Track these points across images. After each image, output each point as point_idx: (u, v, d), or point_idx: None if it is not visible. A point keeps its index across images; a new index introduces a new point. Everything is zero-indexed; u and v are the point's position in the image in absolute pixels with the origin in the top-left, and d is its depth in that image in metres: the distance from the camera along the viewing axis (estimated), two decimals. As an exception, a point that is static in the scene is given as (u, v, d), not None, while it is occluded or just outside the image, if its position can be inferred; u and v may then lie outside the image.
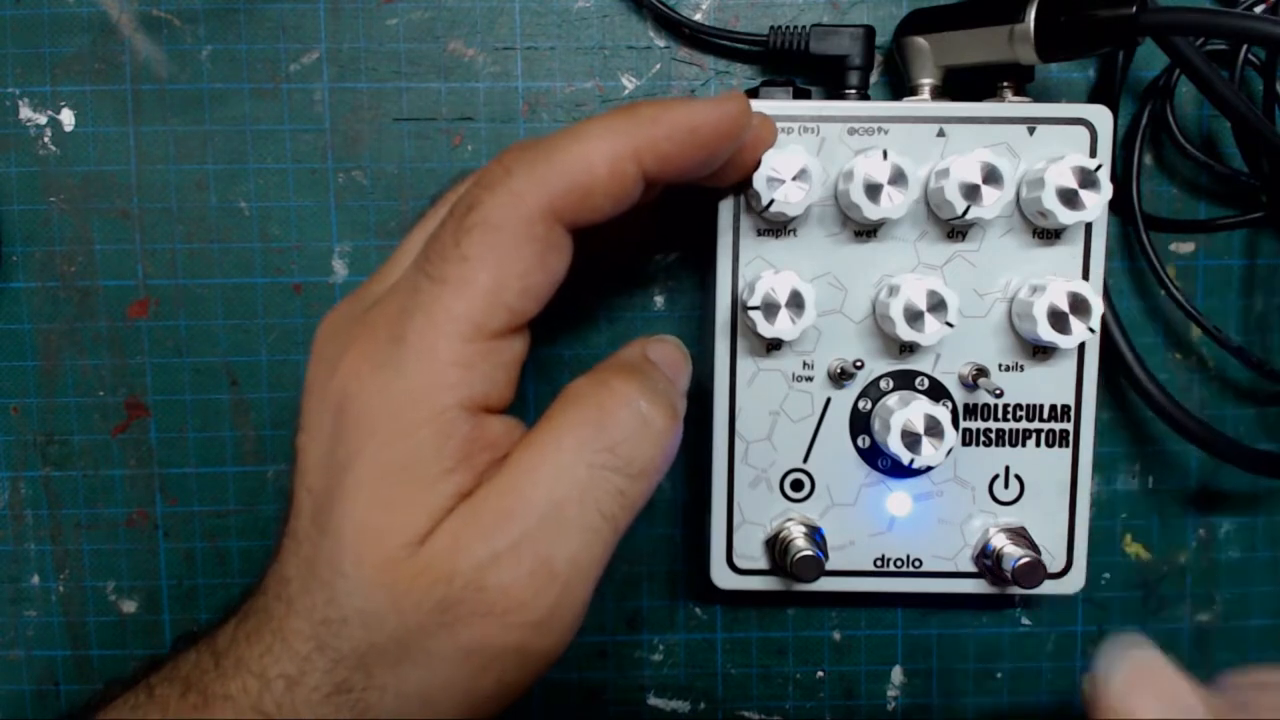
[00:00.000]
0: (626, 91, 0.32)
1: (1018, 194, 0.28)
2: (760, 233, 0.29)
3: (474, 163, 0.32)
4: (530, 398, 0.33)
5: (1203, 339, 0.33)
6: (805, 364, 0.29)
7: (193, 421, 0.33)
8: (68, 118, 0.32)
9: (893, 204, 0.27)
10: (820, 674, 0.34)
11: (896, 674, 0.34)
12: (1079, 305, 0.27)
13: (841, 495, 0.30)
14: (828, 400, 0.29)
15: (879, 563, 0.30)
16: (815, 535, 0.29)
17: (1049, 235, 0.28)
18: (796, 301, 0.27)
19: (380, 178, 0.32)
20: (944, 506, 0.30)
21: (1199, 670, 0.24)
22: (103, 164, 0.32)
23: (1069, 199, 0.27)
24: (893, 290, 0.28)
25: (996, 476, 0.30)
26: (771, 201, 0.27)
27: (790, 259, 0.29)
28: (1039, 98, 0.31)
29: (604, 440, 0.23)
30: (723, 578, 0.30)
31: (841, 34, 0.30)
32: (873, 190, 0.27)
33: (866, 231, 0.29)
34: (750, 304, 0.27)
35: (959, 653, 0.34)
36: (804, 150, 0.27)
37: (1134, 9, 0.26)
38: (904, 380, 0.29)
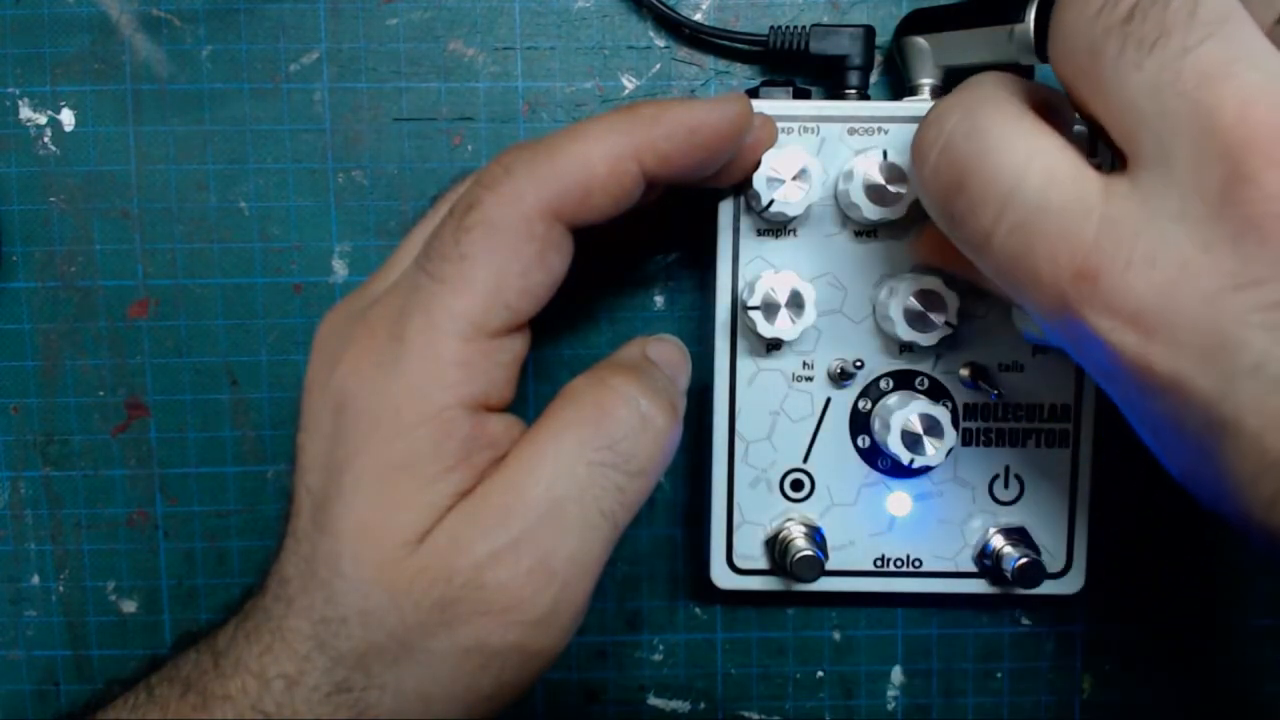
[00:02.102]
0: (626, 91, 0.32)
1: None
2: (760, 233, 0.29)
3: (474, 163, 0.32)
4: (530, 398, 0.33)
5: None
6: (805, 364, 0.29)
7: (193, 421, 0.33)
8: (68, 118, 0.32)
9: (893, 204, 0.27)
10: (820, 674, 0.34)
11: (896, 674, 0.34)
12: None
13: (841, 495, 0.30)
14: (828, 400, 0.30)
15: (879, 563, 0.30)
16: (815, 535, 0.29)
17: (1049, 235, 0.28)
18: (796, 301, 0.27)
19: (380, 178, 0.32)
20: (944, 506, 0.30)
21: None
22: (103, 164, 0.32)
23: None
24: (893, 290, 0.28)
25: (996, 476, 0.30)
26: (771, 201, 0.27)
27: (790, 259, 0.29)
28: (1039, 98, 0.31)
29: (604, 438, 0.23)
30: (723, 578, 0.30)
31: (841, 34, 0.30)
32: (873, 190, 0.27)
33: (866, 231, 0.29)
34: (750, 304, 0.27)
35: (959, 653, 0.34)
36: (804, 150, 0.27)
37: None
38: (904, 380, 0.29)
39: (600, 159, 0.23)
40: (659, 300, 0.33)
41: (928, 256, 0.28)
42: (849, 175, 0.27)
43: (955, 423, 0.29)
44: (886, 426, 0.28)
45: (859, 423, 0.30)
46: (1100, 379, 0.21)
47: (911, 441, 0.28)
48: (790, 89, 0.29)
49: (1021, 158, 0.20)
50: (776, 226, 0.29)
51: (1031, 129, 0.20)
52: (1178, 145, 0.18)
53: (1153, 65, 0.18)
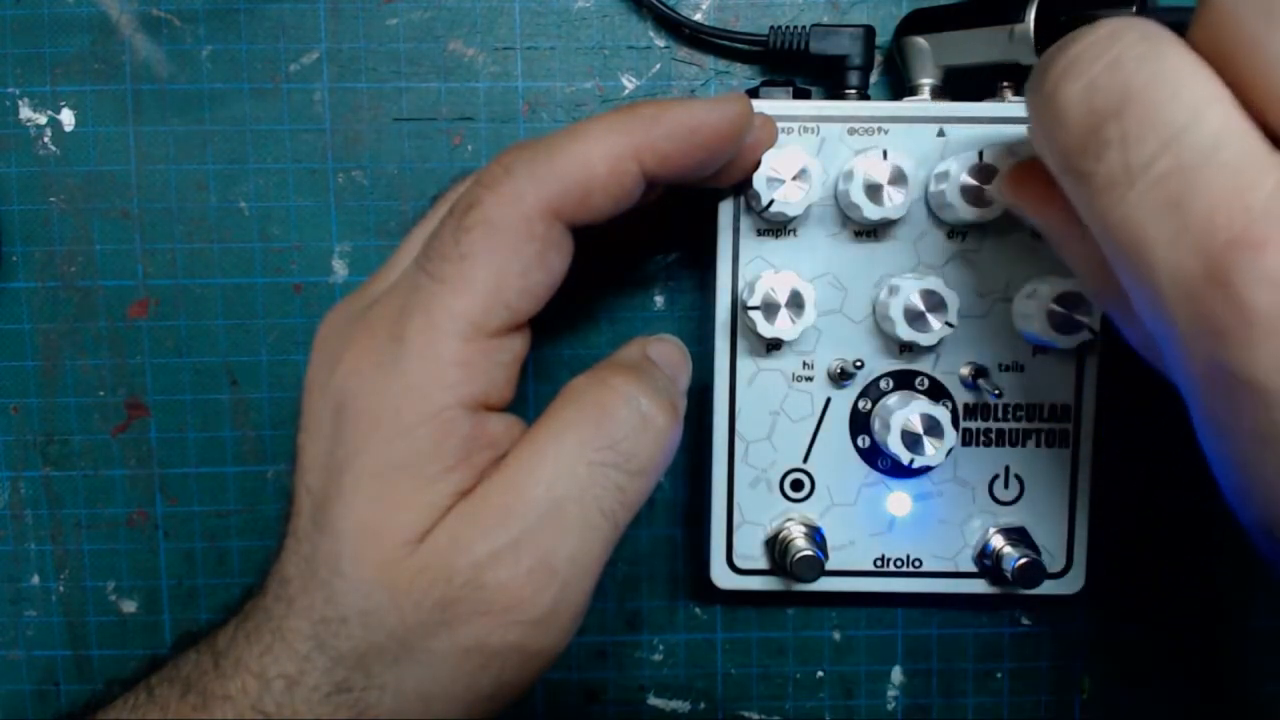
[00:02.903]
0: (626, 91, 0.32)
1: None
2: (760, 233, 0.29)
3: (474, 163, 0.32)
4: (530, 398, 0.33)
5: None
6: (805, 364, 0.29)
7: (193, 421, 0.33)
8: (68, 118, 0.32)
9: (893, 204, 0.27)
10: (820, 674, 0.34)
11: (896, 674, 0.34)
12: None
13: (841, 495, 0.30)
14: (828, 400, 0.29)
15: (879, 563, 0.30)
16: (815, 535, 0.29)
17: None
18: (796, 301, 0.27)
19: (380, 178, 0.32)
20: (944, 506, 0.30)
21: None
22: (103, 164, 0.32)
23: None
24: (893, 290, 0.28)
25: (996, 476, 0.30)
26: (771, 201, 0.27)
27: (790, 259, 0.29)
28: (1039, 98, 0.31)
29: (604, 438, 0.23)
30: (723, 578, 0.30)
31: (841, 34, 0.30)
32: (873, 190, 0.27)
33: (866, 231, 0.29)
34: (750, 304, 0.27)
35: (959, 653, 0.34)
36: (804, 150, 0.27)
37: (1134, 9, 0.26)
38: (904, 380, 0.29)
39: (600, 159, 0.23)
40: (659, 300, 0.33)
41: (1015, 194, 0.25)
42: (849, 175, 0.27)
43: (955, 423, 0.29)
44: (886, 426, 0.28)
45: (859, 423, 0.30)
46: (1191, 375, 0.19)
47: (911, 441, 0.28)
48: (790, 89, 0.29)
49: (1200, 98, 0.18)
50: (776, 226, 0.29)
51: (1210, 76, 0.18)
52: None
53: None
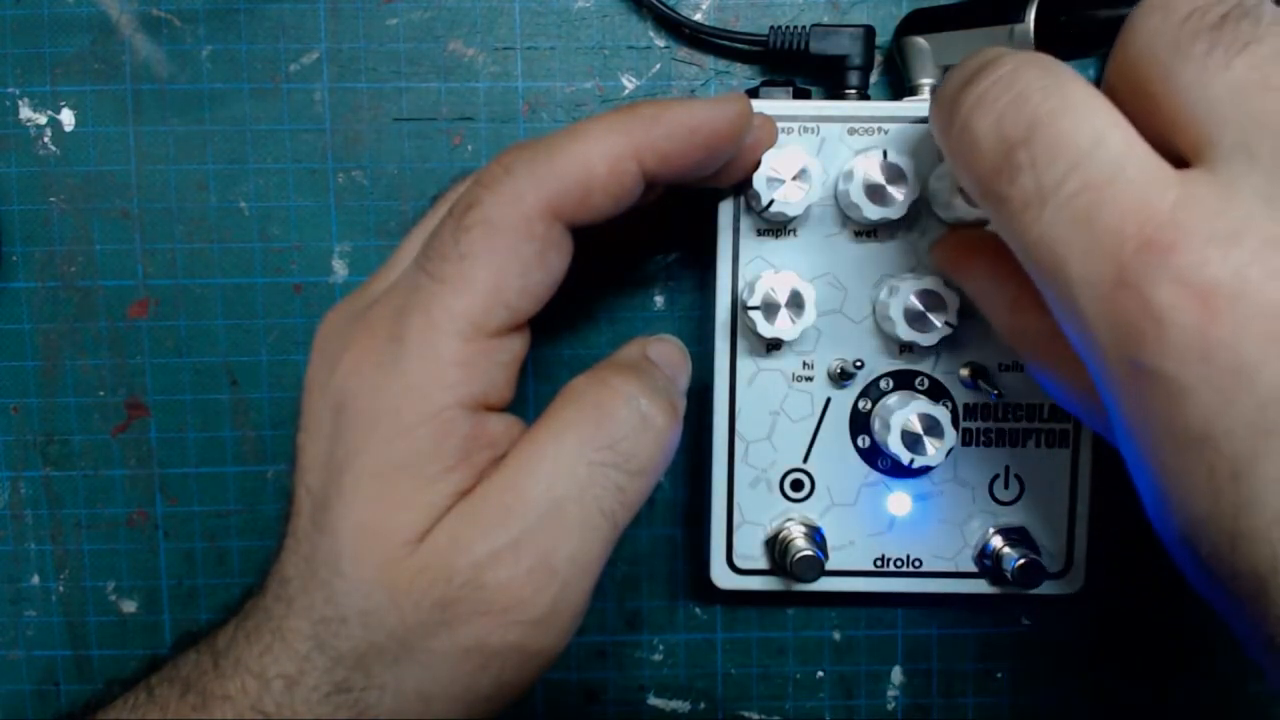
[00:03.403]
0: (626, 91, 0.32)
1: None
2: (760, 233, 0.29)
3: (474, 163, 0.32)
4: (530, 397, 0.33)
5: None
6: (805, 364, 0.29)
7: (193, 421, 0.33)
8: (68, 118, 0.32)
9: (893, 204, 0.27)
10: (820, 674, 0.34)
11: (896, 674, 0.34)
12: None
13: (841, 495, 0.30)
14: (828, 400, 0.29)
15: (879, 563, 0.30)
16: (815, 535, 0.29)
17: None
18: (796, 301, 0.27)
19: (380, 178, 0.32)
20: (944, 506, 0.30)
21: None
22: (103, 164, 0.32)
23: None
24: (893, 290, 0.28)
25: (996, 476, 0.30)
26: (771, 201, 0.27)
27: (790, 259, 0.29)
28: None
29: (604, 438, 0.23)
30: (723, 578, 0.30)
31: (841, 34, 0.30)
32: (873, 190, 0.27)
33: (866, 231, 0.29)
34: (750, 304, 0.27)
35: (959, 653, 0.34)
36: (804, 150, 0.27)
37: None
38: (904, 380, 0.29)
39: (600, 159, 0.23)
40: (659, 300, 0.33)
41: (945, 263, 0.27)
42: (849, 175, 0.27)
43: (955, 423, 0.29)
44: (886, 426, 0.28)
45: (859, 423, 0.30)
46: (1112, 382, 0.20)
47: (911, 441, 0.28)
48: (790, 89, 0.29)
49: (1102, 124, 0.19)
50: (776, 226, 0.29)
51: (1108, 104, 0.20)
52: (1265, 135, 0.18)
53: (1242, 65, 0.18)
